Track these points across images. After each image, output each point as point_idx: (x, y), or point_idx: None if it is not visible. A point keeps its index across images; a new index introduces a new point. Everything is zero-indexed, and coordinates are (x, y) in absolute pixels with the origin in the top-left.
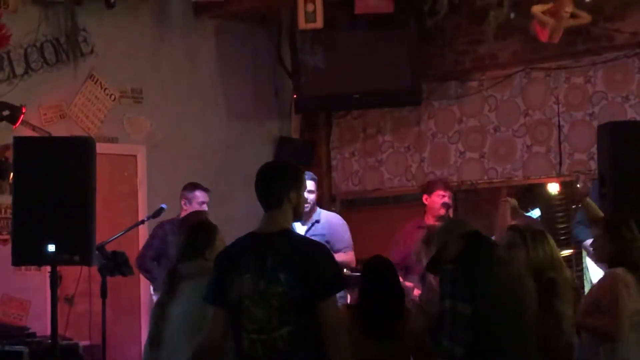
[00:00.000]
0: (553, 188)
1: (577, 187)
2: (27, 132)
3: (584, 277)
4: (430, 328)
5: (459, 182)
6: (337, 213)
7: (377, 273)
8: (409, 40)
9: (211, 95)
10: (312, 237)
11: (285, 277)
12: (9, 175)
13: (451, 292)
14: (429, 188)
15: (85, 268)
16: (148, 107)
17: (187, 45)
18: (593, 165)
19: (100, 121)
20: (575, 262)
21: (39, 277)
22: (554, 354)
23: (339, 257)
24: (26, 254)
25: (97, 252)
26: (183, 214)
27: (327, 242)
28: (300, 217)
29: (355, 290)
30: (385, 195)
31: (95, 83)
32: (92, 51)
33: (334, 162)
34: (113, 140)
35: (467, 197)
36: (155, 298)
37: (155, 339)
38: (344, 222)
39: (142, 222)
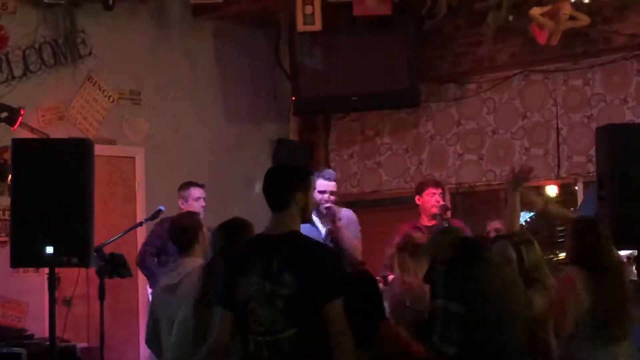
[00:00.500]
0: (551, 190)
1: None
2: (26, 134)
3: None
4: (420, 325)
5: (457, 184)
6: None
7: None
8: (407, 42)
9: (210, 97)
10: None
11: (291, 279)
12: (7, 177)
13: (444, 292)
14: (419, 188)
15: (83, 270)
16: (146, 108)
17: (185, 47)
18: (591, 167)
19: (98, 123)
20: None
21: (37, 279)
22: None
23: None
24: (24, 256)
25: (95, 254)
26: None
27: None
28: (307, 219)
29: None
30: (384, 197)
31: (93, 85)
32: (90, 53)
33: (332, 164)
34: (111, 142)
35: (465, 199)
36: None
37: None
38: (356, 217)
39: (140, 224)
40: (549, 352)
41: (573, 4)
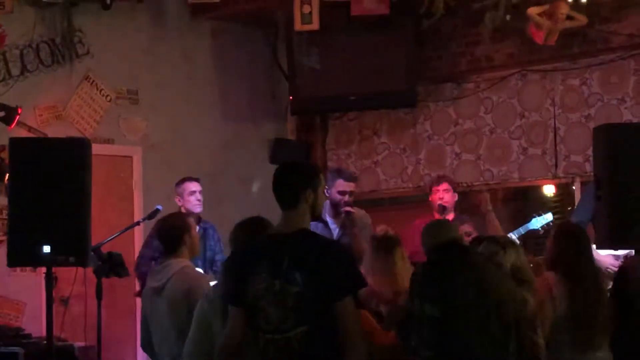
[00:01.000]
0: (549, 190)
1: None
2: (23, 133)
3: None
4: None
5: (455, 184)
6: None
7: None
8: (405, 42)
9: (207, 96)
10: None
11: (301, 277)
12: (5, 177)
13: (420, 293)
14: (428, 187)
15: (80, 269)
16: (144, 108)
17: (183, 46)
18: (589, 167)
19: (96, 122)
20: None
21: (35, 279)
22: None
23: None
24: (21, 255)
25: (92, 253)
26: (181, 210)
27: None
28: (318, 216)
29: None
30: (381, 196)
31: (91, 84)
32: (88, 52)
33: (330, 164)
34: (109, 141)
35: (462, 199)
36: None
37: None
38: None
39: (138, 223)
40: (537, 352)
41: (570, 4)
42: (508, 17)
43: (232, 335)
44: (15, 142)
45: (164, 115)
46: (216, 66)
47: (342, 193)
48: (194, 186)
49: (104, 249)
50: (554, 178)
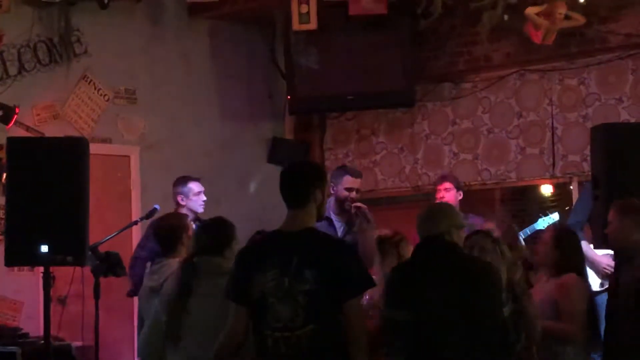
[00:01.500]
0: (546, 190)
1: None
2: (21, 133)
3: None
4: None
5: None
6: None
7: None
8: (403, 41)
9: (205, 96)
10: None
11: (312, 275)
12: (2, 176)
13: (389, 299)
14: (434, 188)
15: (78, 269)
16: (142, 107)
17: (181, 45)
18: (586, 167)
19: (93, 121)
20: None
21: (32, 278)
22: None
23: None
24: (19, 254)
25: (90, 252)
26: (181, 210)
27: None
28: (322, 216)
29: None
30: (379, 196)
31: (88, 83)
32: (85, 51)
33: (327, 163)
34: (106, 140)
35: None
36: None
37: (174, 333)
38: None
39: (136, 222)
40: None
41: (568, 4)
42: (506, 16)
43: (234, 333)
44: (13, 141)
45: (161, 114)
46: (214, 66)
47: (349, 189)
48: (198, 187)
49: (102, 249)
50: (551, 178)
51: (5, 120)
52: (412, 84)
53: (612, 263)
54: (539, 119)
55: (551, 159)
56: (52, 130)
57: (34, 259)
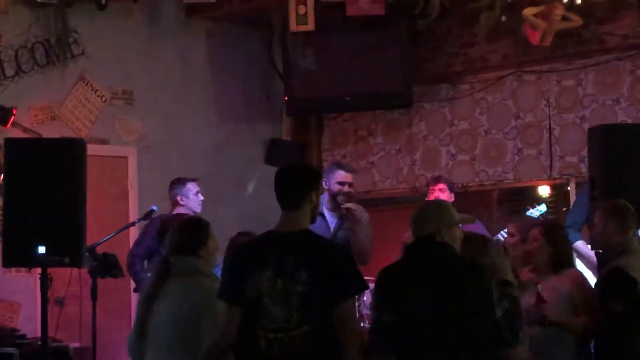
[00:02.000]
0: (544, 191)
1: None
2: (18, 134)
3: None
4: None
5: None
6: None
7: None
8: (400, 42)
9: (202, 97)
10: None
11: (307, 276)
12: (0, 177)
13: (376, 301)
14: (425, 186)
15: (75, 270)
16: (139, 108)
17: (178, 46)
18: (583, 168)
19: (91, 122)
20: None
21: (30, 279)
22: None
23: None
24: (16, 255)
25: (87, 253)
26: (180, 209)
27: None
28: (315, 218)
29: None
30: (377, 197)
31: (86, 84)
32: (83, 52)
33: (325, 165)
34: (104, 141)
35: (457, 200)
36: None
37: (141, 332)
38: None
39: (133, 224)
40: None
41: (566, 5)
42: (503, 17)
43: (227, 334)
44: (10, 142)
45: (159, 115)
46: (211, 67)
47: (341, 183)
48: (196, 187)
49: (99, 250)
50: (549, 179)
51: (3, 121)
52: (409, 85)
53: None
54: (537, 120)
55: (549, 160)
56: (49, 131)
57: (32, 260)
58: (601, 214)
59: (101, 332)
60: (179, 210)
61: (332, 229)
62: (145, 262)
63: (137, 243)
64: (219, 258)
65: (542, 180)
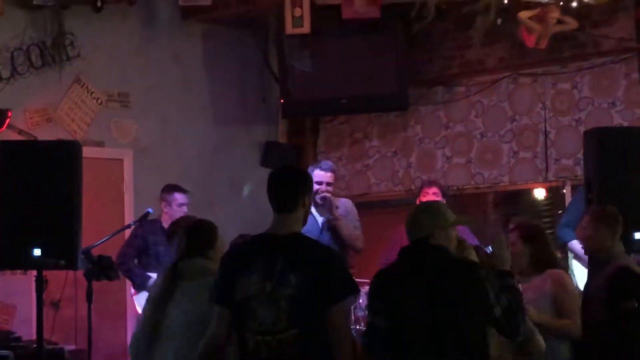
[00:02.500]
0: (539, 193)
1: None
2: (13, 136)
3: None
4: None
5: (446, 187)
6: None
7: None
8: (396, 45)
9: (198, 99)
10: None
11: (296, 279)
12: None
13: (370, 305)
14: (418, 189)
15: (71, 272)
16: (135, 111)
17: (174, 49)
18: (579, 170)
19: (86, 125)
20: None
21: (25, 282)
22: None
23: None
24: (12, 258)
25: (83, 256)
26: (163, 216)
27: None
28: (307, 221)
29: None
30: (372, 200)
31: (81, 87)
32: (78, 55)
33: None
34: (99, 144)
35: (453, 203)
36: (135, 298)
37: (150, 335)
38: (353, 206)
39: (129, 226)
40: None
41: (561, 8)
42: (499, 20)
43: (217, 336)
44: (5, 144)
45: (154, 118)
46: (207, 69)
47: (318, 183)
48: (183, 199)
49: (95, 252)
50: (544, 181)
51: None
52: (405, 88)
53: None
54: (532, 122)
55: (544, 163)
56: (44, 134)
57: (27, 263)
58: (591, 218)
59: (96, 335)
60: (164, 216)
61: (320, 224)
62: (135, 261)
63: (127, 245)
64: None
65: (537, 183)
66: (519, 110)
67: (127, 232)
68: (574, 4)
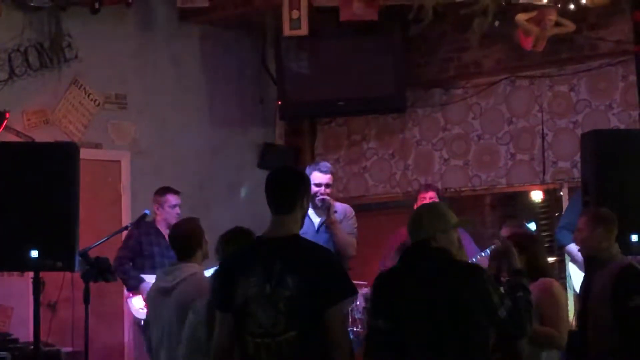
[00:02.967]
0: (536, 196)
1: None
2: (11, 138)
3: (567, 285)
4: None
5: (443, 189)
6: None
7: None
8: (394, 47)
9: (196, 101)
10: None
11: (294, 282)
12: None
13: (372, 307)
14: (415, 194)
15: (68, 274)
16: (132, 112)
17: (171, 51)
18: (576, 173)
19: (84, 127)
20: (559, 270)
21: (22, 283)
22: None
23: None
24: (9, 259)
25: (80, 258)
26: (157, 218)
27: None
28: (303, 223)
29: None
30: (370, 202)
31: (79, 88)
32: (76, 56)
33: None
34: (97, 146)
35: (451, 205)
36: (130, 300)
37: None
38: (353, 212)
39: (126, 228)
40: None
41: (559, 11)
42: (496, 23)
43: (222, 341)
44: (2, 146)
45: (152, 120)
46: (205, 71)
47: (318, 185)
48: (175, 200)
49: (92, 254)
50: (541, 184)
51: None
52: (402, 90)
53: None
54: (529, 125)
55: (541, 165)
56: (42, 135)
57: (24, 264)
58: (588, 220)
59: (93, 337)
60: (158, 218)
61: (316, 226)
62: (130, 264)
63: (122, 247)
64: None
65: (535, 186)
66: (516, 112)
67: (125, 235)
68: (571, 7)
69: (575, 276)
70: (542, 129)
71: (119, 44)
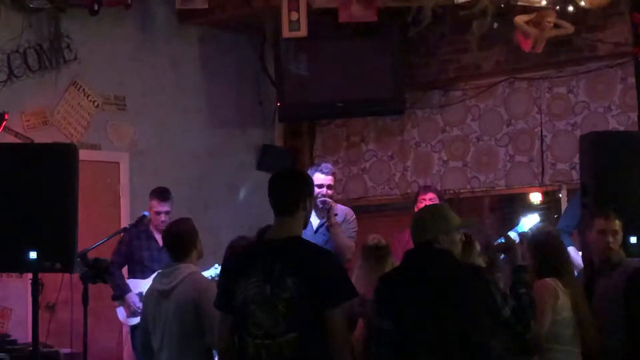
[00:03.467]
0: (535, 198)
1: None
2: (10, 139)
3: None
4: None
5: (442, 191)
6: None
7: None
8: (393, 49)
9: (195, 102)
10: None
11: (293, 283)
12: None
13: (377, 308)
14: (414, 196)
15: (67, 275)
16: (131, 114)
17: (170, 52)
18: (575, 175)
19: (83, 128)
20: None
21: (21, 285)
22: None
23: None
24: (8, 260)
25: (78, 259)
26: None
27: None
28: (307, 225)
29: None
30: (369, 203)
31: (78, 90)
32: (75, 58)
33: None
34: (96, 147)
35: (449, 206)
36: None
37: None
38: (354, 215)
39: (124, 229)
40: None
41: (557, 12)
42: (495, 25)
43: (222, 341)
44: (1, 147)
45: (151, 121)
46: (203, 73)
47: (319, 186)
48: (158, 206)
49: (91, 255)
50: (540, 186)
51: None
52: (401, 92)
53: None
54: (528, 127)
55: (540, 167)
56: (41, 137)
57: (23, 266)
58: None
59: (92, 338)
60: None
61: (316, 227)
62: (121, 271)
63: (115, 251)
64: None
65: (533, 187)
66: (515, 114)
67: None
68: (570, 9)
69: None
70: (541, 131)
71: (118, 46)
